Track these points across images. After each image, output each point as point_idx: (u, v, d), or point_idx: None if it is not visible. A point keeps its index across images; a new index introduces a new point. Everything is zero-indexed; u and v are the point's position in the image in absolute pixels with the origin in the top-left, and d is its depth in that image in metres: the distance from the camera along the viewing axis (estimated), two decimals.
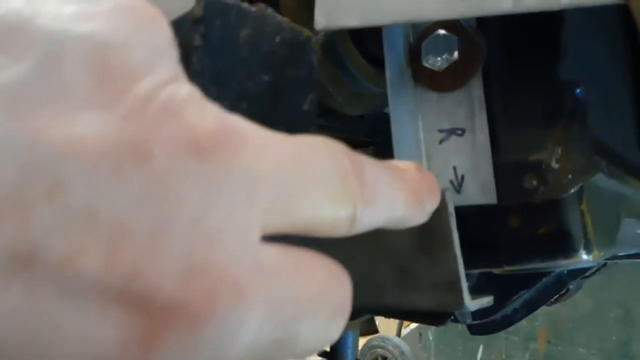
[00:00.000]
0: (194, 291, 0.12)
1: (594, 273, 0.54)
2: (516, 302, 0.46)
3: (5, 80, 0.11)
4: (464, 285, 0.24)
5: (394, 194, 0.18)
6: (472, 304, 0.25)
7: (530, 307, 0.46)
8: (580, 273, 0.50)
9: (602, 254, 0.27)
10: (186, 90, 0.13)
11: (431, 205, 0.20)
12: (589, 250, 0.26)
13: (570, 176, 0.26)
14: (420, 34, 0.27)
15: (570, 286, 0.51)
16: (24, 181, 0.11)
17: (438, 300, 0.25)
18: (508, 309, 0.45)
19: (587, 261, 0.26)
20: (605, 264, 0.54)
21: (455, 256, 0.25)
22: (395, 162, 0.19)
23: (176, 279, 0.12)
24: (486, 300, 0.27)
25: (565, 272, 0.45)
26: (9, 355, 0.11)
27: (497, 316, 0.45)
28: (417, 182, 0.19)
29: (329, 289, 0.15)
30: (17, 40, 0.11)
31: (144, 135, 0.12)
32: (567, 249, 0.26)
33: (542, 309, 0.48)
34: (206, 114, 0.12)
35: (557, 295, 0.50)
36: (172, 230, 0.12)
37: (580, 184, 0.26)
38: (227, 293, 0.12)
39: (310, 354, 0.16)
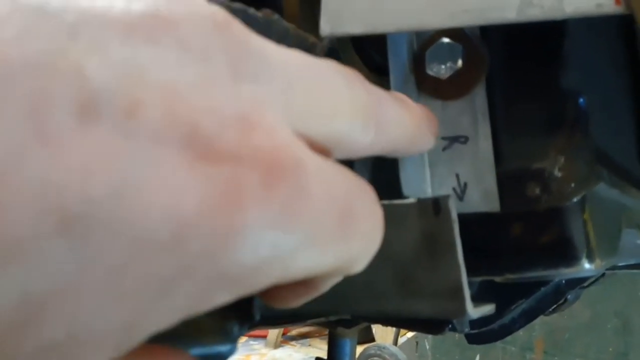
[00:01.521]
0: (256, 146, 0.12)
1: (592, 283, 0.54)
2: (514, 312, 0.46)
3: None
4: (467, 293, 0.24)
5: (400, 109, 0.19)
6: (474, 312, 0.25)
7: (528, 317, 0.46)
8: (578, 283, 0.50)
9: (604, 263, 0.27)
10: None
11: (435, 127, 0.22)
12: (591, 260, 0.26)
13: (573, 185, 0.26)
14: (424, 42, 0.27)
15: (569, 296, 0.51)
16: (66, 40, 0.11)
17: (439, 308, 0.25)
18: (506, 318, 0.45)
19: (589, 270, 0.26)
20: (603, 274, 0.54)
21: (458, 264, 0.25)
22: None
23: (236, 133, 0.12)
24: (488, 309, 0.27)
25: (564, 282, 0.45)
26: (97, 215, 0.10)
27: (495, 325, 0.45)
28: (416, 105, 0.20)
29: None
30: None
31: (165, 8, 0.12)
32: (569, 257, 0.26)
33: (540, 319, 0.48)
34: (212, 3, 0.14)
35: (556, 305, 0.50)
36: (219, 90, 0.12)
37: (583, 193, 0.26)
38: (288, 147, 0.13)
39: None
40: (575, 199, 0.26)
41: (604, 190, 0.28)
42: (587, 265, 0.26)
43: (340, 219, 0.14)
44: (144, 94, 0.11)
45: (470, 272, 0.27)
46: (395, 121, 0.18)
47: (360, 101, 0.16)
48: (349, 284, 0.28)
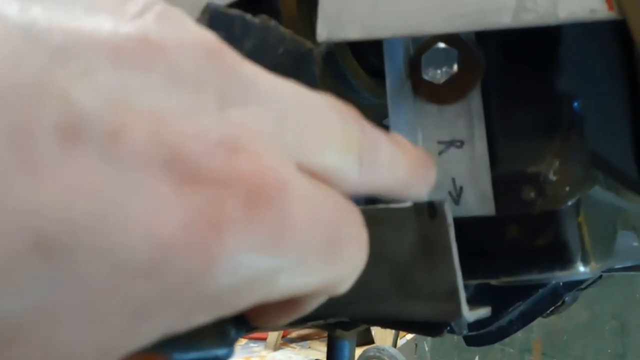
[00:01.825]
0: (240, 170, 0.12)
1: (589, 285, 0.54)
2: (512, 314, 0.46)
3: None
4: (462, 295, 0.25)
5: (396, 152, 0.19)
6: (470, 314, 0.26)
7: (526, 319, 0.46)
8: (576, 285, 0.50)
9: (599, 265, 0.27)
10: (176, 9, 0.14)
11: (432, 175, 0.21)
12: (586, 262, 0.26)
13: (568, 188, 0.26)
14: (420, 47, 0.28)
15: (566, 298, 0.51)
16: (53, 63, 0.11)
17: (436, 311, 0.25)
18: (504, 320, 0.45)
19: (584, 273, 0.26)
20: (600, 277, 0.54)
21: (454, 267, 0.25)
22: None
23: (220, 157, 0.12)
24: (484, 312, 0.27)
25: (561, 284, 0.45)
26: (78, 239, 0.10)
27: (493, 327, 0.45)
28: (416, 151, 0.20)
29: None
30: None
31: (155, 33, 0.12)
32: (564, 260, 0.26)
33: (538, 321, 0.49)
34: (203, 29, 0.14)
35: (553, 307, 0.50)
36: (205, 116, 0.12)
37: (578, 196, 0.26)
38: (273, 171, 0.13)
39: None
40: (570, 202, 0.26)
41: (599, 193, 0.29)
42: (582, 268, 0.26)
43: (325, 243, 0.14)
44: (129, 118, 0.11)
45: (466, 275, 0.27)
46: (389, 163, 0.18)
47: (353, 138, 0.16)
48: None
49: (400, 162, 0.19)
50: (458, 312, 0.25)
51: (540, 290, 0.46)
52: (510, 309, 0.46)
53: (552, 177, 0.26)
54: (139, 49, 0.12)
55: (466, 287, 0.28)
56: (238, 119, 0.13)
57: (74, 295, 0.11)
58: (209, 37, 0.13)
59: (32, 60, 0.11)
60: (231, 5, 0.27)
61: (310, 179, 0.14)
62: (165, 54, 0.12)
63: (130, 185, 0.11)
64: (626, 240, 0.38)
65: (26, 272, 0.10)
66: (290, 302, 0.16)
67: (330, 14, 0.25)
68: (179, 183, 0.12)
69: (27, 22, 0.11)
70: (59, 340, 0.11)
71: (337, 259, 0.15)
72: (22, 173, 0.10)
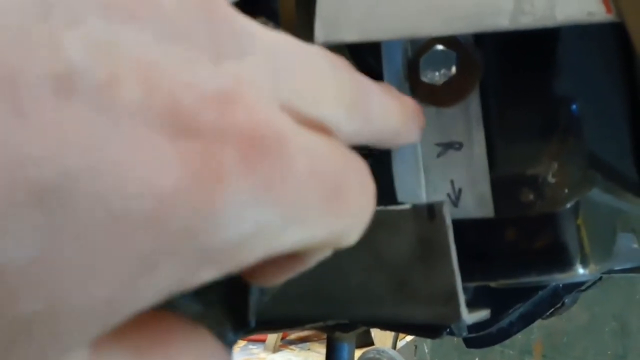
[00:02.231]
0: (237, 121, 0.12)
1: (589, 287, 0.54)
2: (512, 315, 0.46)
3: None
4: (461, 298, 0.25)
5: (387, 101, 0.19)
6: (469, 317, 0.26)
7: (526, 321, 0.46)
8: (576, 287, 0.50)
9: (598, 268, 0.27)
10: None
11: (421, 121, 0.22)
12: (585, 265, 0.26)
13: (566, 190, 0.26)
14: (418, 49, 0.28)
15: (566, 300, 0.51)
16: (41, 14, 0.11)
17: (435, 313, 0.25)
18: (504, 322, 0.45)
19: (583, 275, 0.26)
20: (600, 278, 0.54)
21: (452, 269, 0.25)
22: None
23: (217, 108, 0.12)
24: (483, 314, 0.27)
25: (561, 285, 0.45)
26: (75, 187, 0.10)
27: (493, 329, 0.45)
28: (404, 98, 0.20)
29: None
30: None
31: None
32: (563, 263, 0.26)
33: (538, 322, 0.48)
34: None
35: (553, 309, 0.50)
36: (200, 67, 0.12)
37: (577, 198, 0.26)
38: (270, 121, 0.13)
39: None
40: (568, 205, 0.26)
41: (598, 195, 0.29)
42: (581, 271, 0.26)
43: (328, 194, 0.14)
44: (122, 69, 0.11)
45: (465, 278, 0.27)
46: (381, 112, 0.18)
47: (346, 90, 0.16)
48: (346, 288, 0.28)
49: (392, 110, 0.19)
50: (457, 314, 0.25)
51: (540, 292, 0.46)
52: (510, 310, 0.46)
53: (551, 179, 0.26)
54: (130, 0, 0.12)
55: (465, 289, 0.28)
56: (233, 71, 0.13)
57: (74, 245, 0.11)
58: None
59: (20, 10, 0.11)
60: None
61: (307, 129, 0.14)
62: (158, 5, 0.12)
63: (126, 136, 0.11)
64: (626, 242, 0.38)
65: (23, 222, 0.10)
66: (292, 257, 0.15)
67: (328, 16, 0.25)
68: (175, 134, 0.11)
69: None
70: (62, 291, 0.11)
71: (342, 209, 0.14)
72: (16, 122, 0.10)
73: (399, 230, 0.26)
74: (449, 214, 0.25)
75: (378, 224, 0.27)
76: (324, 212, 0.14)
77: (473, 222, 0.28)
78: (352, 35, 0.24)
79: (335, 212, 0.14)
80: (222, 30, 0.13)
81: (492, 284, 0.29)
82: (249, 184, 0.12)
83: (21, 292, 0.10)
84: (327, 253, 0.16)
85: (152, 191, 0.11)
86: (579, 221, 0.26)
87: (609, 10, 0.21)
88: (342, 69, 0.17)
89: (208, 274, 0.13)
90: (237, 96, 0.13)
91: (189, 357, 0.14)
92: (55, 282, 0.11)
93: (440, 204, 0.25)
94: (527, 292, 0.43)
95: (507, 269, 0.27)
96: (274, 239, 0.13)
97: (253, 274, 0.16)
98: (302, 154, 0.13)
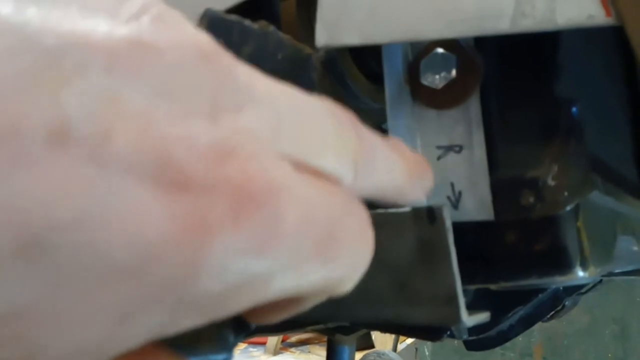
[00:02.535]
0: (228, 175, 0.12)
1: (590, 289, 0.54)
2: (512, 318, 0.46)
3: None
4: (461, 300, 0.25)
5: (392, 157, 0.19)
6: (469, 319, 0.26)
7: (526, 323, 0.46)
8: (576, 289, 0.50)
9: (598, 270, 0.27)
10: (174, 11, 0.13)
11: (429, 180, 0.21)
12: (585, 267, 0.26)
13: (566, 193, 0.26)
14: (419, 52, 0.28)
15: (566, 302, 0.51)
16: (45, 64, 0.11)
17: (435, 316, 0.25)
18: (504, 325, 0.45)
19: (583, 278, 0.26)
20: (600, 281, 0.54)
21: (452, 272, 0.25)
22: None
23: (208, 162, 0.12)
24: (483, 316, 0.27)
25: (561, 288, 0.45)
26: (62, 237, 0.11)
27: (493, 332, 0.45)
28: (414, 156, 0.20)
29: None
30: None
31: (150, 36, 0.12)
32: (563, 265, 0.26)
33: (538, 325, 0.48)
34: (200, 31, 0.14)
35: (553, 312, 0.50)
36: (196, 120, 0.12)
37: (577, 201, 0.26)
38: (263, 174, 0.13)
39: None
40: (568, 207, 0.26)
41: (599, 198, 0.29)
42: (581, 273, 0.26)
43: (320, 243, 0.14)
44: (117, 123, 0.11)
45: (466, 280, 0.27)
46: (385, 169, 0.18)
47: (349, 143, 0.16)
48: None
49: (397, 167, 0.19)
50: (457, 317, 0.25)
51: (540, 295, 0.46)
52: (511, 313, 0.46)
53: (551, 182, 0.26)
54: (132, 52, 0.12)
55: (466, 291, 0.28)
56: (231, 124, 0.13)
57: (60, 294, 0.11)
58: (204, 40, 0.13)
59: (24, 60, 0.11)
60: (231, 11, 0.27)
61: (307, 179, 0.14)
62: (158, 57, 0.12)
63: (115, 188, 0.11)
64: (626, 244, 0.38)
65: (10, 271, 0.10)
66: (287, 301, 0.16)
67: (329, 19, 0.25)
68: (165, 187, 0.12)
69: (21, 22, 0.11)
70: (45, 340, 0.11)
71: (335, 260, 0.14)
72: (9, 170, 0.10)
73: (400, 233, 0.26)
74: (449, 217, 0.25)
75: (379, 226, 0.27)
76: (316, 262, 0.14)
77: (474, 225, 0.28)
78: (352, 38, 0.24)
79: (327, 261, 0.14)
80: (222, 82, 0.13)
81: (493, 287, 0.30)
82: (236, 239, 0.12)
83: (3, 339, 0.11)
84: (321, 298, 0.16)
85: (138, 243, 0.11)
86: (579, 224, 0.26)
87: (608, 13, 0.21)
88: (347, 122, 0.16)
89: (192, 322, 0.13)
90: (231, 150, 0.13)
91: None
92: (39, 331, 0.11)
93: (440, 207, 0.25)
94: (527, 294, 0.43)
95: (508, 271, 0.27)
96: (261, 289, 0.13)
97: (247, 312, 0.16)
98: (296, 204, 0.13)
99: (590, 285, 0.54)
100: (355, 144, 0.16)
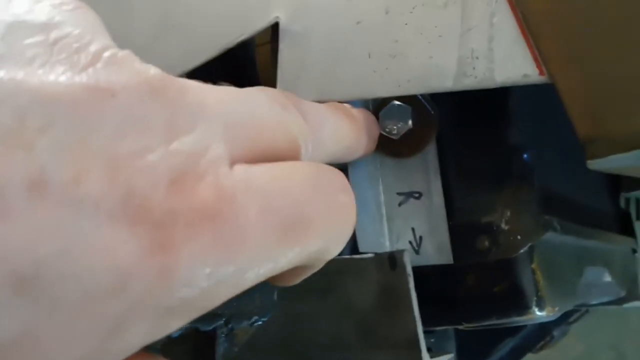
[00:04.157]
0: (186, 197, 0.14)
1: (578, 319, 0.55)
2: (502, 350, 0.46)
3: None
4: (422, 344, 0.25)
5: (338, 125, 0.20)
6: None
7: (516, 355, 0.47)
8: (563, 319, 0.50)
9: (557, 309, 0.28)
10: (124, 52, 0.15)
11: (375, 130, 0.22)
12: (541, 307, 0.27)
13: (519, 237, 0.27)
14: (378, 104, 0.29)
15: (555, 332, 0.52)
16: (19, 120, 0.12)
17: (398, 359, 0.26)
18: (494, 358, 0.46)
19: (541, 317, 0.27)
20: (587, 310, 0.55)
21: (414, 317, 0.26)
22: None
23: (167, 189, 0.14)
24: (446, 358, 0.28)
25: None
26: (47, 271, 0.12)
27: None
28: (356, 111, 0.21)
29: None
30: None
31: (104, 81, 0.14)
32: (520, 306, 0.27)
33: (531, 356, 0.49)
34: (149, 66, 0.15)
35: (543, 342, 0.50)
36: (155, 152, 0.14)
37: (530, 244, 0.27)
38: (216, 187, 0.14)
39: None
40: (522, 250, 0.27)
41: (555, 237, 0.30)
42: (538, 313, 0.27)
43: (287, 229, 0.15)
44: (86, 167, 0.13)
45: (431, 323, 0.28)
46: (333, 138, 0.19)
47: (296, 125, 0.17)
48: (315, 336, 0.29)
49: (345, 131, 0.20)
50: None
51: (528, 326, 0.47)
52: (500, 345, 0.46)
53: (505, 226, 0.28)
54: (90, 99, 0.13)
55: (431, 333, 0.29)
56: (184, 147, 0.14)
57: (52, 319, 0.12)
58: (153, 75, 0.15)
59: (1, 119, 0.12)
60: (210, 61, 0.28)
61: (263, 170, 0.15)
62: (114, 98, 0.14)
63: (90, 225, 0.13)
64: (597, 277, 0.39)
65: (6, 306, 0.12)
66: (274, 278, 0.17)
67: (288, 78, 0.26)
68: (132, 218, 0.13)
69: None
70: None
71: (307, 238, 0.15)
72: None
73: (364, 279, 0.27)
74: (409, 263, 0.26)
75: (343, 272, 0.28)
76: (285, 245, 0.15)
77: (437, 268, 0.29)
78: (310, 95, 0.26)
79: (298, 242, 0.15)
80: (173, 108, 0.15)
81: (460, 327, 0.30)
82: (198, 250, 0.14)
83: None
84: (310, 271, 0.18)
85: (113, 268, 0.13)
86: (534, 265, 0.27)
87: (542, 72, 0.23)
88: (291, 106, 0.18)
89: (178, 323, 0.14)
90: (183, 173, 0.14)
91: None
92: (36, 354, 0.12)
93: (400, 253, 0.26)
94: (515, 326, 0.43)
95: (470, 313, 0.28)
96: (237, 282, 0.15)
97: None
98: (254, 199, 0.15)
99: (578, 315, 0.54)
100: (302, 125, 0.18)
